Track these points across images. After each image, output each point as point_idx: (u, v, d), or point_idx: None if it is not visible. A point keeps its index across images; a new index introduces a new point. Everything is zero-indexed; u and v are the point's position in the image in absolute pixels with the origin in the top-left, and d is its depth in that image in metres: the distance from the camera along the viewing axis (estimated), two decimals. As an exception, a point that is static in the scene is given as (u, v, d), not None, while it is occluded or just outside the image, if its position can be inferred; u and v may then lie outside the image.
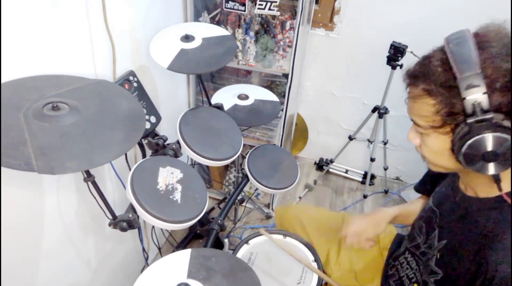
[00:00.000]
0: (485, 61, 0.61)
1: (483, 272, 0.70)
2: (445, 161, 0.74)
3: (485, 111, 0.61)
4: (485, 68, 0.61)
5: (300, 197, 2.29)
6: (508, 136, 0.61)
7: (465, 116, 0.63)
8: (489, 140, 0.62)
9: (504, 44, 0.63)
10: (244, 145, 1.31)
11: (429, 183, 1.05)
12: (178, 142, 1.14)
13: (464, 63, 0.62)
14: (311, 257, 1.10)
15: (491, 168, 0.65)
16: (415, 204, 1.11)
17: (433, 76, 0.66)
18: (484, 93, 0.60)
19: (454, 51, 0.64)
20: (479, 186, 0.77)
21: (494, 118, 0.61)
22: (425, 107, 0.68)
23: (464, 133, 0.64)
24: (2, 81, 0.76)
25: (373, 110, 1.95)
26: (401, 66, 1.72)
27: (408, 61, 1.72)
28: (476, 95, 0.61)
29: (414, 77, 0.70)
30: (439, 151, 0.72)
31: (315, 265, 1.08)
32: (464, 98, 0.61)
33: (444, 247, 0.82)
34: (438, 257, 0.84)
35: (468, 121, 0.63)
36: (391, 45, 1.69)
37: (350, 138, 2.15)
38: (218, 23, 1.66)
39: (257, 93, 1.56)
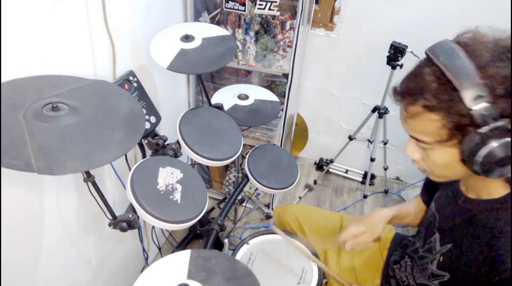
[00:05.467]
0: (481, 70, 0.61)
1: (497, 274, 0.70)
2: (452, 172, 0.72)
3: (493, 119, 0.60)
4: (483, 77, 0.60)
5: (300, 197, 2.29)
6: None
7: (474, 126, 0.62)
8: (503, 146, 0.61)
9: (491, 50, 0.62)
10: (244, 145, 1.31)
11: (429, 190, 1.04)
12: (178, 142, 1.14)
13: (463, 75, 0.61)
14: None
15: (508, 172, 0.64)
16: (410, 204, 1.10)
17: (431, 91, 0.64)
18: (488, 101, 0.60)
19: (448, 64, 0.62)
20: (481, 188, 0.77)
21: (504, 124, 0.60)
22: (428, 123, 0.66)
23: (476, 142, 0.63)
24: (2, 81, 0.76)
25: (373, 110, 1.95)
26: (401, 66, 1.72)
27: (408, 61, 1.73)
28: (483, 105, 0.60)
29: (410, 95, 0.68)
30: (446, 163, 0.71)
31: (314, 265, 1.08)
32: (470, 109, 0.60)
33: (448, 251, 0.82)
34: (441, 260, 0.84)
35: (480, 131, 0.61)
36: (391, 45, 1.69)
37: (350, 138, 2.15)
38: (218, 23, 1.66)
39: (257, 93, 1.56)
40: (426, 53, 0.68)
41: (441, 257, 0.84)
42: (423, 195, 1.09)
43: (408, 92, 0.68)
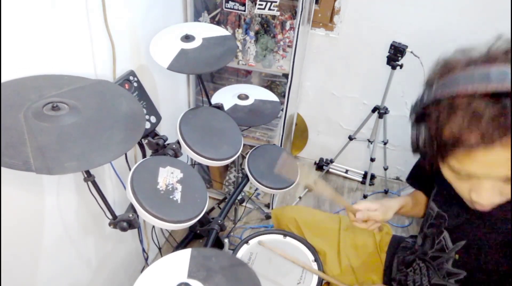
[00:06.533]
0: None
1: None
2: None
3: None
4: None
5: (300, 197, 2.29)
6: None
7: None
8: None
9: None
10: (244, 145, 1.31)
11: (422, 177, 1.02)
12: (178, 142, 1.14)
13: None
14: (311, 257, 1.10)
15: None
16: (411, 196, 1.09)
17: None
18: None
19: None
20: None
21: None
22: None
23: None
24: (2, 81, 0.76)
25: (373, 110, 1.95)
26: (401, 66, 1.72)
27: (408, 61, 1.72)
28: None
29: None
30: None
31: (315, 265, 1.08)
32: None
33: (463, 248, 0.82)
34: (456, 258, 0.83)
35: None
36: (391, 45, 1.69)
37: (350, 138, 2.15)
38: (218, 23, 1.66)
39: (257, 93, 1.56)
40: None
41: (457, 255, 0.83)
42: (421, 189, 1.07)
43: None
